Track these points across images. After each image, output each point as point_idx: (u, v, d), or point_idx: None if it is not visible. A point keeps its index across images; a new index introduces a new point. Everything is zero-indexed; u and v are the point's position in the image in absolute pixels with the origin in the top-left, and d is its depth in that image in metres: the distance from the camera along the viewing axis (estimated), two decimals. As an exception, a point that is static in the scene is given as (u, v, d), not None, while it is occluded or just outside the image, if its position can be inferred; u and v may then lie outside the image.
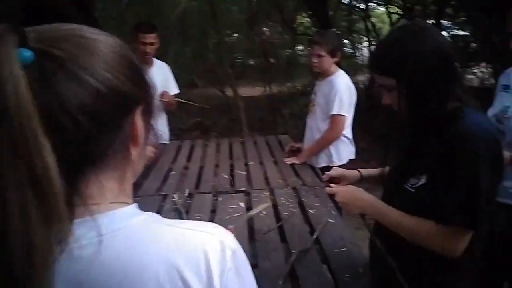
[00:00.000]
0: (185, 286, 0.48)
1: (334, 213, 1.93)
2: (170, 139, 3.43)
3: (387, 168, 1.41)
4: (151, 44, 3.06)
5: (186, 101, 3.58)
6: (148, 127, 0.56)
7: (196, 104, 3.99)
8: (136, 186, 2.21)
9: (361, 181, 1.53)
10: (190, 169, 2.75)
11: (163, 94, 3.09)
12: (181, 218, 1.88)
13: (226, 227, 0.57)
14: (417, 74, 1.09)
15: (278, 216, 1.94)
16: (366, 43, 10.40)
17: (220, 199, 2.15)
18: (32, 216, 0.39)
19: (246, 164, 2.79)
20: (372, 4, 9.72)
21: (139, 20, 3.40)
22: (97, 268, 0.47)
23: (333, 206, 1.97)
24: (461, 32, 8.03)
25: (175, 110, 3.43)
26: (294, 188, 2.29)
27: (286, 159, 2.82)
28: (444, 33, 5.05)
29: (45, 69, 0.44)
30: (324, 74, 2.76)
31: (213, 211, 2.02)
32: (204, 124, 7.66)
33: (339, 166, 2.48)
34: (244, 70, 11.11)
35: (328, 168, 2.16)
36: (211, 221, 1.84)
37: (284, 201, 2.10)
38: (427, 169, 1.14)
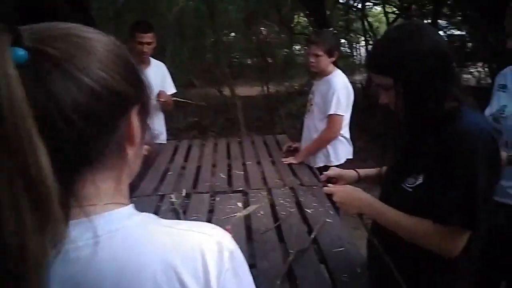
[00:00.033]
0: (182, 287, 0.48)
1: (331, 213, 1.93)
2: (167, 139, 3.42)
3: (384, 168, 1.41)
4: (148, 43, 3.05)
5: (183, 100, 3.57)
6: (145, 127, 0.56)
7: (193, 102, 3.98)
8: (133, 186, 2.21)
9: (358, 181, 1.53)
10: (188, 169, 2.74)
11: (160, 93, 3.08)
12: (179, 219, 1.88)
13: (223, 228, 0.56)
14: (414, 73, 1.09)
15: (275, 216, 1.93)
16: (363, 43, 10.42)
17: (217, 199, 2.15)
18: (26, 218, 0.38)
19: (244, 164, 2.79)
20: (369, 3, 9.75)
21: (136, 20, 3.39)
22: (94, 269, 0.47)
23: (330, 206, 1.97)
24: (457, 32, 8.06)
25: (172, 110, 3.42)
26: (291, 188, 2.29)
27: (283, 159, 2.82)
28: (440, 32, 5.07)
29: (40, 68, 0.44)
30: (321, 74, 2.76)
31: (211, 211, 2.02)
32: (201, 123, 7.66)
33: (337, 166, 2.49)
34: (241, 70, 11.13)
35: (326, 167, 2.16)
36: (209, 221, 1.84)
37: (281, 201, 2.10)
38: (425, 169, 1.14)
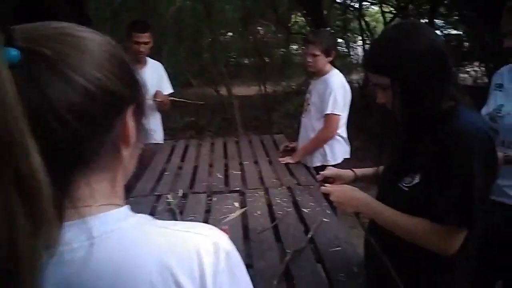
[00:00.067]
0: None
1: (328, 212, 1.93)
2: (164, 139, 3.41)
3: (381, 167, 1.41)
4: (145, 43, 3.04)
5: (180, 100, 3.56)
6: (140, 127, 0.55)
7: (190, 102, 3.97)
8: (130, 186, 2.20)
9: (355, 181, 1.53)
10: (184, 169, 2.74)
11: (157, 93, 3.08)
12: (175, 219, 1.87)
13: (220, 228, 0.56)
14: (411, 72, 1.09)
15: (272, 216, 1.93)
16: (360, 42, 10.41)
17: (214, 199, 2.14)
18: (18, 220, 0.38)
19: (241, 164, 2.79)
20: (366, 3, 9.76)
21: (133, 19, 3.38)
22: (89, 270, 0.46)
23: (327, 205, 1.97)
24: (454, 31, 8.08)
25: (169, 110, 3.42)
26: (288, 188, 2.29)
27: (280, 159, 2.82)
28: (437, 32, 5.07)
29: (33, 68, 0.44)
30: (318, 73, 2.77)
31: (208, 211, 2.01)
32: (198, 123, 7.65)
33: (334, 165, 2.49)
34: (238, 70, 11.11)
35: (323, 167, 2.16)
36: (206, 221, 1.83)
37: (278, 201, 2.10)
38: (421, 168, 1.14)
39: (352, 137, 2.93)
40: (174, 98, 3.35)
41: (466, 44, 7.76)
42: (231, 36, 11.00)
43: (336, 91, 2.63)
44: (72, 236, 0.46)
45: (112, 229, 0.49)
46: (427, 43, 1.10)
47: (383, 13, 9.46)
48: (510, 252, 1.67)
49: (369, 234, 1.28)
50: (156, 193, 2.25)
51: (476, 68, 8.08)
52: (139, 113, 0.55)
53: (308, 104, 2.85)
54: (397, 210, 1.17)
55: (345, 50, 10.48)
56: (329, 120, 2.68)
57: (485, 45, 5.74)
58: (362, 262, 1.45)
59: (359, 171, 1.56)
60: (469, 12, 6.29)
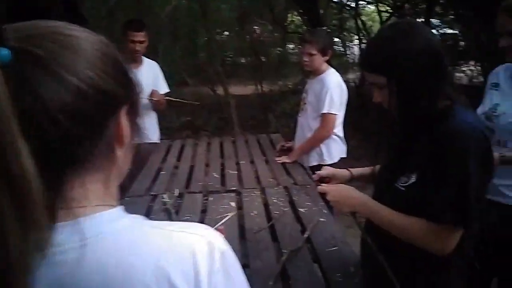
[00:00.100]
0: None
1: (325, 212, 1.93)
2: (160, 139, 3.40)
3: (377, 167, 1.41)
4: (141, 42, 3.03)
5: (176, 99, 3.55)
6: (134, 127, 0.55)
7: (186, 101, 3.96)
8: (125, 186, 2.19)
9: (351, 180, 1.53)
10: (180, 168, 2.73)
11: (153, 93, 3.07)
12: (171, 219, 1.87)
13: (216, 228, 0.56)
14: (407, 72, 1.09)
15: (269, 216, 1.93)
16: (356, 41, 10.44)
17: (210, 199, 2.14)
18: (8, 221, 0.37)
19: (237, 163, 2.78)
20: (363, 2, 9.77)
21: (129, 18, 3.37)
22: (82, 271, 0.46)
23: (324, 205, 1.97)
24: (450, 31, 8.11)
25: (165, 109, 3.41)
26: (285, 187, 2.29)
27: (277, 158, 2.82)
28: (433, 31, 5.09)
29: (25, 68, 0.43)
30: (315, 73, 2.77)
31: (204, 211, 2.01)
32: (194, 123, 7.63)
33: (330, 165, 2.48)
34: (235, 69, 11.11)
35: (319, 166, 2.16)
36: (202, 221, 1.83)
37: (275, 200, 2.10)
38: (417, 167, 1.14)
39: (348, 136, 2.93)
40: (170, 98, 3.34)
41: (462, 43, 7.79)
42: (227, 35, 11.01)
43: (332, 90, 2.63)
44: (65, 236, 0.46)
45: (106, 230, 0.49)
46: (423, 42, 1.10)
47: (379, 12, 9.48)
48: (506, 251, 1.67)
49: (366, 234, 1.28)
50: (152, 193, 2.24)
51: (471, 67, 8.11)
52: (133, 113, 0.54)
53: (305, 104, 2.85)
54: (393, 209, 1.17)
55: (341, 49, 10.50)
56: (325, 119, 2.68)
57: (481, 45, 5.76)
58: (358, 261, 1.45)
59: (356, 170, 1.56)
60: (465, 11, 6.31)
